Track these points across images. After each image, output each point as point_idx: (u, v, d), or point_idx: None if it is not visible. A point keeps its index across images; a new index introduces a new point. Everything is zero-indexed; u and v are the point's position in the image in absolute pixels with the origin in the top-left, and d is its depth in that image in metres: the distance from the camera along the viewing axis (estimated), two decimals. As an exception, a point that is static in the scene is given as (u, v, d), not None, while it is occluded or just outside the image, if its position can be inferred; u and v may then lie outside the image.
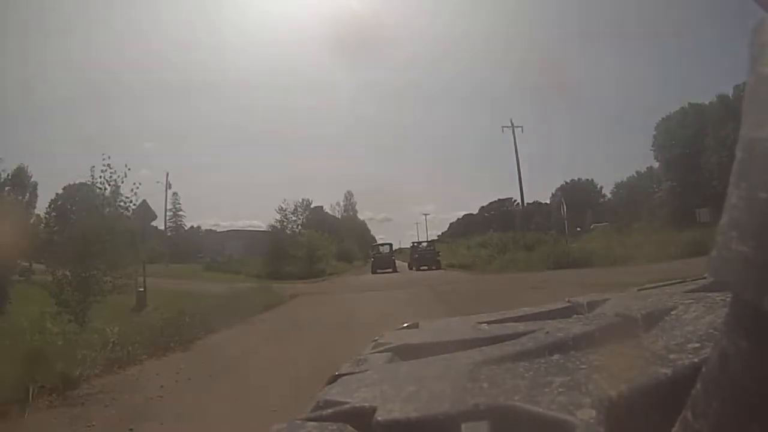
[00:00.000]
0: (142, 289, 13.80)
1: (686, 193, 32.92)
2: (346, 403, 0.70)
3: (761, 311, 0.31)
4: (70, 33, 45.27)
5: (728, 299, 0.38)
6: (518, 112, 34.78)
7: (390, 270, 31.78)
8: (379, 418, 0.63)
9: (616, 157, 54.38)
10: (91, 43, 49.38)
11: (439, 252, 33.65)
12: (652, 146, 37.41)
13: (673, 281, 1.39)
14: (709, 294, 0.99)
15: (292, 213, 40.36)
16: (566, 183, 44.18)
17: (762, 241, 0.31)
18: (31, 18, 39.40)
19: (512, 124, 35.01)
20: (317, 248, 33.81)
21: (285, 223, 38.97)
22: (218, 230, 45.47)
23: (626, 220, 33.21)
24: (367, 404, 0.68)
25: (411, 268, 32.82)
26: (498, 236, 34.78)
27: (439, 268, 30.88)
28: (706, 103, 33.57)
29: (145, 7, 48.73)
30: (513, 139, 34.83)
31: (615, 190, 41.10)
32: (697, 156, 32.45)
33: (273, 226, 37.52)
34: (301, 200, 42.91)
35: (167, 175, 37.67)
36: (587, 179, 43.91)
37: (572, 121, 54.81)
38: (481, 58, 57.39)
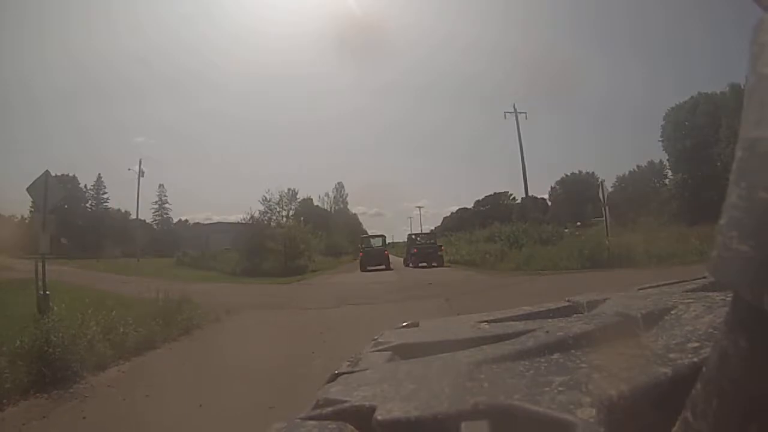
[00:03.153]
0: (43, 292, 10.05)
1: (699, 186, 30.71)
2: (346, 401, 0.70)
3: (761, 311, 0.31)
4: (57, 26, 44.97)
5: (728, 299, 0.38)
6: (511, 107, 33.80)
7: (382, 267, 26.61)
8: (379, 417, 0.63)
9: (614, 151, 53.99)
10: (83, 38, 49.20)
11: (441, 246, 28.69)
12: (661, 137, 36.16)
13: (673, 281, 1.40)
14: (709, 293, 0.99)
15: (277, 204, 37.15)
16: (566, 176, 43.26)
17: (762, 241, 0.31)
18: (26, 9, 39.08)
19: (515, 109, 32.99)
20: (298, 241, 29.56)
21: (270, 215, 35.57)
22: (206, 224, 42.57)
23: (631, 214, 30.38)
24: (366, 403, 0.68)
25: (407, 265, 28.04)
26: (509, 228, 29.67)
27: (441, 265, 26.15)
28: (717, 92, 32.31)
29: (142, 1, 48.50)
30: (516, 125, 32.68)
31: (617, 183, 39.21)
32: (709, 147, 30.91)
33: (252, 217, 33.20)
34: (287, 190, 39.57)
35: (140, 162, 36.37)
36: (587, 172, 42.35)
37: (568, 115, 54.62)
38: (474, 51, 57.09)
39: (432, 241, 30.06)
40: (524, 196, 37.00)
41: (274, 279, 22.60)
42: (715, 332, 0.54)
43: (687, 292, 1.10)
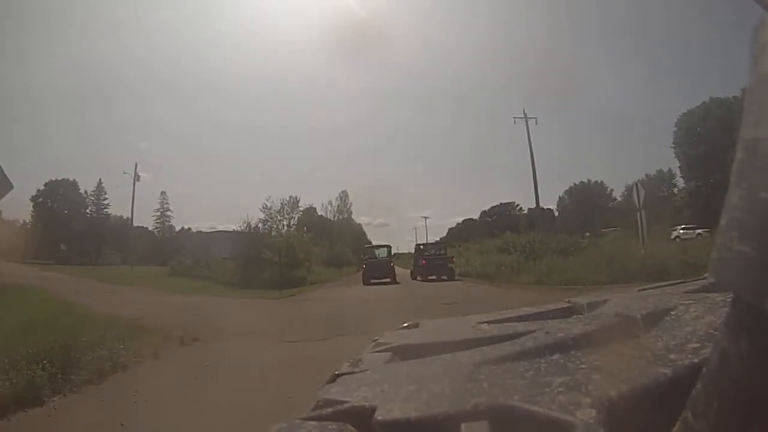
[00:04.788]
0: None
1: (712, 193, 29.64)
2: (346, 402, 0.70)
3: (762, 312, 0.31)
4: (63, 30, 45.35)
5: (728, 300, 0.38)
6: (515, 114, 33.15)
7: (388, 280, 24.11)
8: (379, 418, 0.63)
9: (622, 160, 53.24)
10: (87, 43, 49.44)
11: (452, 257, 26.26)
12: (673, 144, 35.25)
13: (673, 282, 1.40)
14: (709, 294, 0.99)
15: (278, 212, 34.86)
16: (575, 185, 41.89)
17: (763, 242, 0.32)
18: (31, 13, 39.42)
19: (525, 114, 31.16)
20: (298, 251, 27.53)
21: (270, 224, 33.32)
22: (208, 232, 40.99)
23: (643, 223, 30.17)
24: (367, 404, 0.68)
25: (415, 278, 25.65)
26: (524, 238, 27.01)
27: (452, 278, 23.81)
28: (730, 97, 31.15)
29: (145, 6, 48.93)
30: (526, 130, 30.80)
31: (625, 193, 38.51)
32: (722, 153, 29.16)
33: (249, 225, 30.77)
34: (288, 198, 37.07)
35: (135, 165, 35.47)
36: (596, 181, 40.99)
37: (574, 123, 54.29)
38: (480, 62, 57.04)
39: (442, 251, 27.37)
40: (532, 206, 35.49)
41: (268, 292, 20.29)
42: (715, 333, 0.54)
43: (687, 293, 1.10)
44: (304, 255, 28.09)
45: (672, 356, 0.68)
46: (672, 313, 0.89)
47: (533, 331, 0.92)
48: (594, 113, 52.15)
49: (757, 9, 0.40)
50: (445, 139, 61.56)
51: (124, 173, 36.15)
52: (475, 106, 59.67)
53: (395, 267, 26.06)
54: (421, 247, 29.16)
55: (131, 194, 36.88)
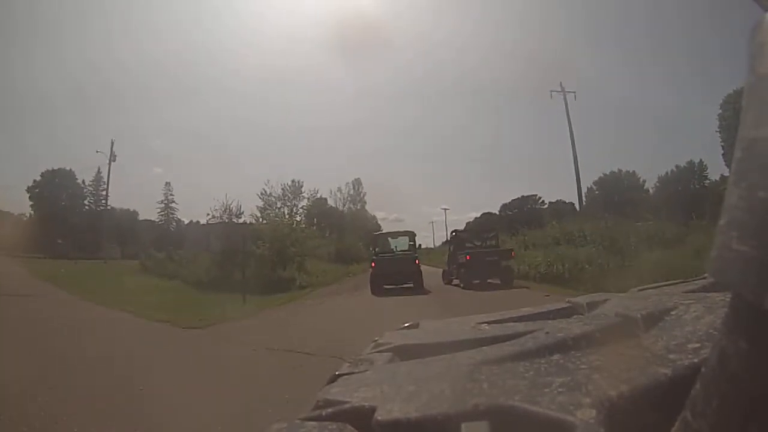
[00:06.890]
0: None
1: None
2: (346, 402, 0.70)
3: (761, 311, 0.31)
4: (79, 30, 45.28)
5: (728, 299, 0.38)
6: (528, 110, 31.79)
7: (410, 284, 16.23)
8: (379, 418, 0.63)
9: (647, 151, 51.58)
10: (103, 40, 49.47)
11: (512, 250, 17.83)
12: (719, 128, 31.92)
13: (673, 281, 1.40)
14: (709, 294, 0.99)
15: (279, 198, 29.87)
16: (605, 175, 38.82)
17: (762, 241, 0.32)
18: (46, 13, 39.28)
19: (563, 88, 26.55)
20: (288, 244, 21.29)
21: (269, 212, 27.70)
22: (213, 223, 38.47)
23: (682, 216, 24.21)
24: (367, 404, 0.68)
25: (449, 282, 17.78)
26: (593, 225, 19.80)
27: (510, 283, 15.96)
28: None
29: (154, 5, 48.81)
30: (565, 105, 26.92)
31: (658, 184, 35.41)
32: None
33: (228, 209, 24.62)
34: (290, 182, 31.49)
35: (112, 143, 31.44)
36: (628, 171, 38.06)
37: (595, 115, 53.29)
38: (495, 52, 56.26)
39: (492, 241, 18.70)
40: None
41: (229, 302, 14.51)
42: (715, 333, 0.54)
43: (687, 292, 1.10)
44: (295, 249, 21.95)
45: (672, 356, 0.68)
46: (672, 313, 0.89)
47: (533, 332, 0.92)
48: (615, 104, 51.01)
49: (757, 9, 0.40)
50: (459, 134, 61.24)
51: (98, 152, 31.72)
52: (491, 100, 59.05)
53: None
54: (460, 234, 19.88)
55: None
